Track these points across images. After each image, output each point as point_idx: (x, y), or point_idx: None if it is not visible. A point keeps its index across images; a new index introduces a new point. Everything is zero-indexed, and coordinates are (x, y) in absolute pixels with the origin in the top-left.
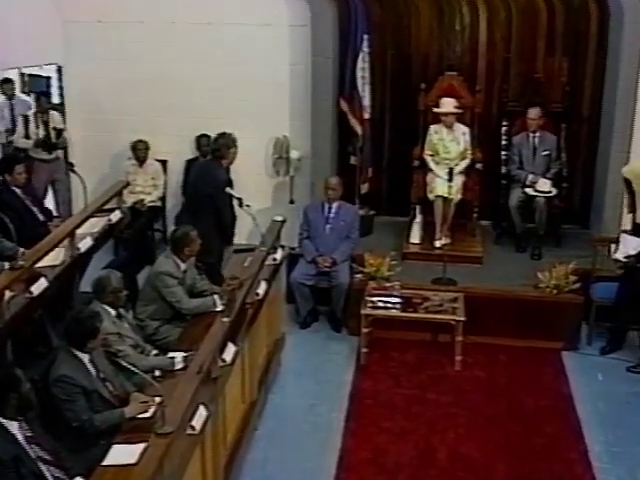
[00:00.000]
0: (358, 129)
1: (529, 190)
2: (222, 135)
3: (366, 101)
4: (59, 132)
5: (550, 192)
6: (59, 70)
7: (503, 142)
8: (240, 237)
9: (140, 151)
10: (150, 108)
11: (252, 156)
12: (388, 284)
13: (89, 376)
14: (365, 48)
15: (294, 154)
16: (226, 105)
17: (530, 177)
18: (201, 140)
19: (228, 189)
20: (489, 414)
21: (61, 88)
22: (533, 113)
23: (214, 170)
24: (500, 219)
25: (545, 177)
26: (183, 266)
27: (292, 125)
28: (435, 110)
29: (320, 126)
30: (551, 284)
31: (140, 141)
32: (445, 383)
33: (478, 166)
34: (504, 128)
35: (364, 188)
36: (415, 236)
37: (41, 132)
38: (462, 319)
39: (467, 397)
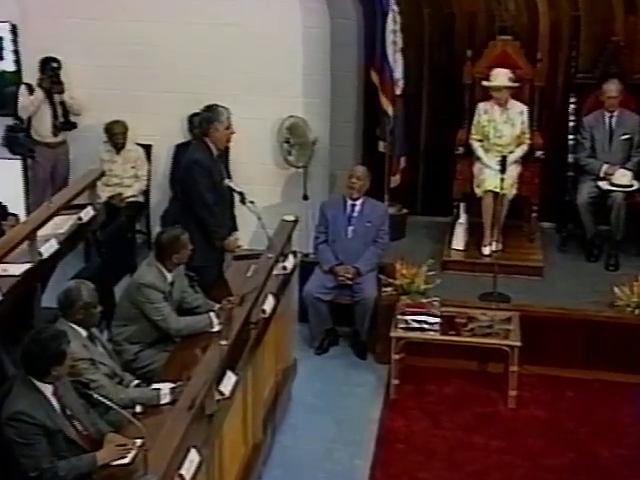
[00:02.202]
0: (388, 108)
1: (603, 184)
2: (207, 107)
3: (398, 73)
4: (64, 108)
5: (630, 186)
6: (13, 30)
7: (571, 124)
8: (242, 240)
9: (117, 135)
10: (129, 79)
11: (257, 141)
12: (424, 300)
13: (52, 413)
14: (394, 6)
15: (308, 137)
16: (225, 77)
17: (605, 167)
18: (194, 120)
19: (227, 182)
20: (553, 465)
21: (16, 52)
22: (610, 87)
23: (192, 150)
24: (566, 220)
25: (624, 167)
26: (170, 276)
27: (306, 103)
28: (485, 84)
29: (341, 104)
30: (631, 302)
31: (117, 122)
32: (496, 424)
33: (538, 154)
34: (572, 106)
35: (395, 181)
36: (458, 241)
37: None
38: (517, 344)
39: (524, 443)
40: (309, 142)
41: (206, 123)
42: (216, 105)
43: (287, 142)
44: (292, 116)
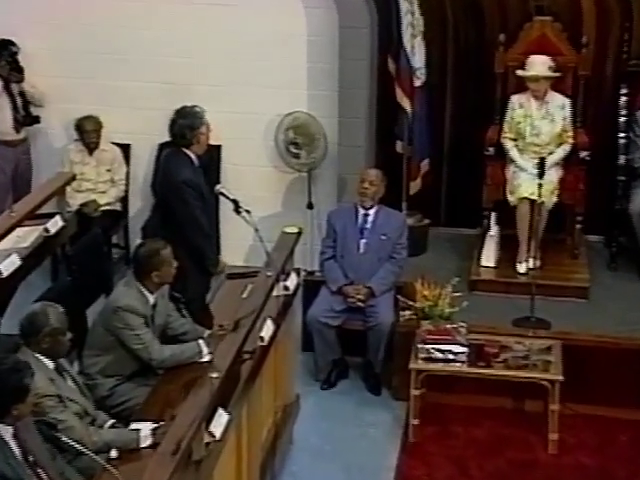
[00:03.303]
0: (405, 102)
1: None
2: (180, 113)
3: (417, 61)
4: (24, 98)
5: None
6: None
7: (622, 119)
8: (236, 256)
9: (89, 133)
10: (103, 66)
11: (252, 140)
12: (449, 326)
13: (12, 460)
14: None
15: (319, 136)
16: (216, 65)
17: None
18: (174, 129)
19: (218, 187)
20: None
21: None
22: None
23: (173, 165)
24: (616, 232)
25: None
26: (152, 298)
27: (310, 96)
28: (520, 73)
29: (351, 97)
30: None
31: (89, 117)
32: (535, 473)
33: (583, 154)
34: (623, 98)
35: (415, 187)
36: (489, 257)
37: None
38: (559, 379)
39: None
40: (322, 142)
41: (190, 132)
42: (188, 106)
43: (294, 144)
44: (295, 112)
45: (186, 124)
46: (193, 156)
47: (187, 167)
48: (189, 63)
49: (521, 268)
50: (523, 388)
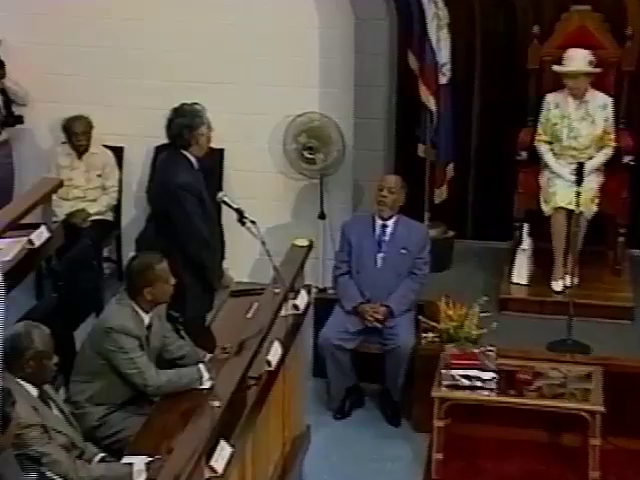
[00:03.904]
0: (429, 100)
1: None
2: (178, 111)
3: (443, 56)
4: (6, 97)
5: None
6: None
7: None
8: (240, 271)
9: (78, 135)
10: (93, 61)
11: (259, 144)
12: (476, 350)
13: None
14: None
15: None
16: (219, 60)
17: None
18: (172, 129)
19: (221, 195)
20: None
21: None
22: None
23: (170, 168)
24: None
25: None
26: (147, 318)
27: (323, 94)
28: (556, 69)
29: (368, 96)
30: None
31: (77, 118)
32: None
33: (627, 159)
34: None
35: (440, 195)
36: (521, 273)
37: None
38: (600, 409)
39: None
40: (339, 145)
41: (189, 132)
42: (187, 104)
43: (308, 148)
44: (308, 113)
45: (184, 123)
46: (192, 159)
47: (185, 170)
48: (189, 58)
49: (557, 286)
50: (559, 420)
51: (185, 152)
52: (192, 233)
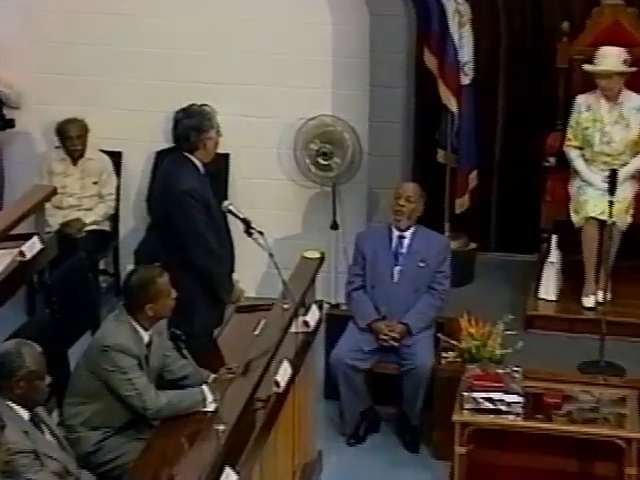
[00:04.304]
0: (451, 102)
1: None
2: (186, 111)
3: (465, 54)
4: None
5: None
6: None
7: None
8: (247, 285)
9: (73, 139)
10: (90, 60)
11: (267, 150)
12: (501, 370)
13: None
14: None
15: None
16: (223, 58)
17: None
18: (177, 132)
19: (226, 204)
20: None
21: None
22: None
23: (175, 172)
24: None
25: None
26: (146, 335)
27: (336, 96)
28: (587, 68)
29: (385, 97)
30: None
31: (72, 120)
32: None
33: None
34: None
35: (461, 204)
36: (548, 288)
37: None
38: (637, 436)
39: None
40: (356, 149)
41: (196, 134)
42: (197, 105)
43: (323, 154)
44: (320, 116)
45: (192, 125)
46: (198, 163)
47: (191, 175)
48: (192, 57)
49: (588, 302)
50: (592, 447)
51: (190, 156)
52: (198, 242)
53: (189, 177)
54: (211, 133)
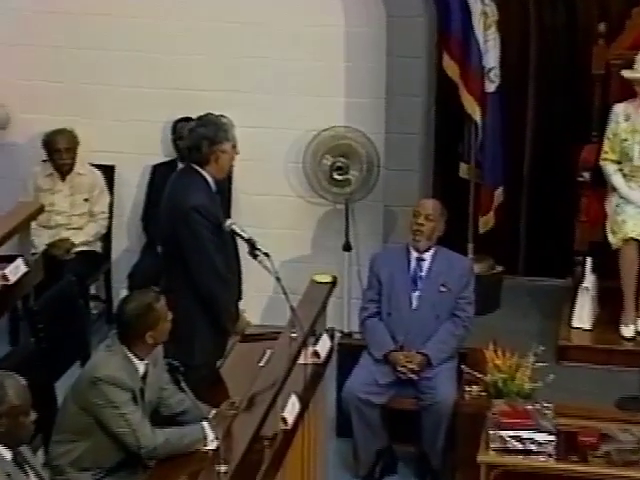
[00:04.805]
0: (475, 111)
1: None
2: (202, 120)
3: (490, 59)
4: None
5: None
6: None
7: None
8: (252, 311)
9: (61, 152)
10: (81, 66)
11: (273, 164)
12: (530, 406)
13: None
14: None
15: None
16: (226, 65)
17: None
18: (182, 129)
19: (229, 223)
20: None
21: None
22: None
23: (183, 186)
24: None
25: None
26: (142, 366)
27: (350, 105)
28: (626, 74)
29: (403, 106)
30: None
31: (61, 131)
32: None
33: None
34: None
35: (486, 223)
36: (583, 316)
37: None
38: None
39: None
40: (373, 163)
41: (208, 145)
42: (213, 115)
43: (337, 169)
44: (333, 127)
45: (205, 135)
46: (209, 178)
47: (200, 190)
48: (192, 62)
49: (627, 331)
50: None
51: (201, 170)
52: (204, 263)
53: (198, 192)
54: (225, 146)
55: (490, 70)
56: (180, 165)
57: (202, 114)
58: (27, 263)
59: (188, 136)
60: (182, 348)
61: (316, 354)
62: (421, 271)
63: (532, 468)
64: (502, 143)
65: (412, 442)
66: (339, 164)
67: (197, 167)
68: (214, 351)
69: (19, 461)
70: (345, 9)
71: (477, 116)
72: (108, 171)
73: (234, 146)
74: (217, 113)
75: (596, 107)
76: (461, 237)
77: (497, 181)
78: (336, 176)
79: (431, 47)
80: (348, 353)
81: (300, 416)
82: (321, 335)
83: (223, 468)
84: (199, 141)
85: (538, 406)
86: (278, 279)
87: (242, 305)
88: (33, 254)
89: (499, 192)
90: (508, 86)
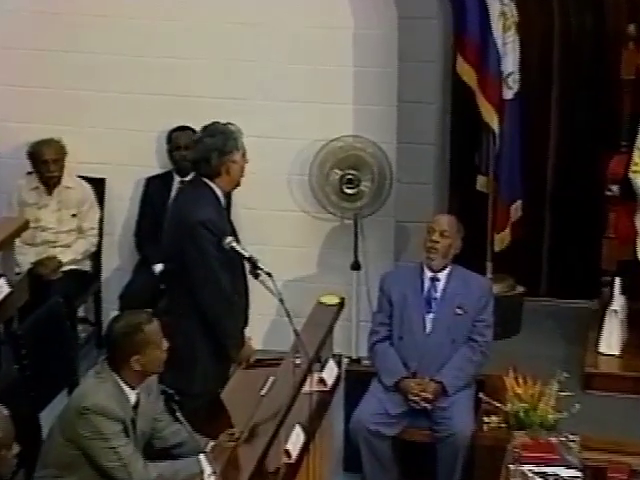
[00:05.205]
0: (492, 119)
1: None
2: (209, 130)
3: (509, 63)
4: None
5: None
6: None
7: None
8: (253, 336)
9: (48, 164)
10: (69, 71)
11: (277, 176)
12: (554, 439)
13: None
14: None
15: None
16: (228, 72)
17: None
18: (178, 138)
19: (228, 241)
20: None
21: None
22: None
23: (190, 200)
24: None
25: None
26: (133, 395)
27: (359, 113)
28: None
29: (416, 114)
30: None
31: (47, 142)
32: None
33: None
34: None
35: (502, 240)
36: (611, 341)
37: None
38: None
39: None
40: (385, 175)
41: (218, 157)
42: (220, 123)
43: (348, 181)
44: (342, 137)
45: (215, 145)
46: (219, 192)
47: (209, 204)
48: (190, 66)
49: None
50: None
51: (210, 183)
52: (209, 282)
53: (207, 206)
54: (236, 156)
55: (509, 75)
56: (177, 178)
57: (207, 123)
58: (10, 283)
59: (195, 148)
60: (181, 374)
61: (322, 382)
62: (435, 292)
63: None
64: (521, 153)
65: (426, 477)
66: (349, 177)
67: (206, 180)
68: (215, 379)
69: None
70: (354, 10)
71: (495, 125)
72: (98, 184)
73: (244, 154)
74: (216, 121)
75: (625, 115)
76: (479, 255)
77: (514, 195)
78: (346, 190)
79: (446, 50)
80: (356, 380)
81: (305, 449)
82: (327, 361)
83: None
84: (208, 153)
85: (563, 438)
86: (281, 300)
87: (248, 332)
88: (17, 274)
89: (516, 206)
90: (529, 92)
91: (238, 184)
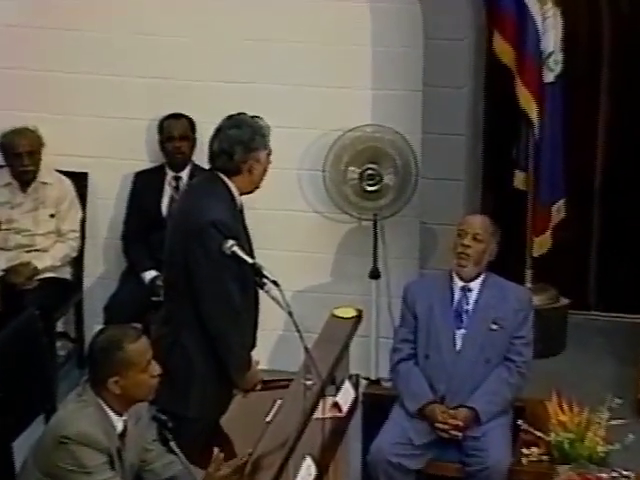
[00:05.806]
0: (531, 108)
1: None
2: (233, 121)
3: (550, 42)
4: None
5: None
6: None
7: None
8: (258, 353)
9: (22, 156)
10: (48, 50)
11: (285, 172)
12: (605, 475)
13: None
14: None
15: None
16: (229, 53)
17: None
18: (170, 128)
19: (230, 245)
20: None
21: None
22: None
23: (203, 197)
24: None
25: None
26: (120, 422)
27: (379, 99)
28: None
29: (444, 100)
30: None
31: (20, 131)
32: None
33: None
34: None
35: (540, 245)
36: None
37: None
38: None
39: None
40: (410, 170)
41: (243, 152)
42: (248, 116)
43: (369, 177)
44: (360, 126)
45: (240, 138)
46: (236, 193)
47: (223, 203)
48: (183, 46)
49: None
50: None
51: (228, 180)
52: (216, 292)
53: (220, 205)
54: (261, 154)
55: (549, 55)
56: (170, 172)
57: (233, 113)
58: None
59: (217, 137)
60: (176, 393)
61: (337, 406)
62: (467, 304)
63: None
64: (564, 147)
65: None
66: (370, 172)
67: (223, 176)
68: (215, 402)
69: None
70: None
71: (533, 114)
72: (80, 180)
73: (269, 155)
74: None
75: None
76: (517, 262)
77: (556, 194)
78: (367, 187)
79: (479, 27)
80: (376, 405)
81: None
82: (343, 383)
83: None
84: (231, 146)
85: (614, 474)
86: (290, 313)
87: (256, 356)
88: None
89: (558, 207)
90: (575, 77)
91: (257, 187)
